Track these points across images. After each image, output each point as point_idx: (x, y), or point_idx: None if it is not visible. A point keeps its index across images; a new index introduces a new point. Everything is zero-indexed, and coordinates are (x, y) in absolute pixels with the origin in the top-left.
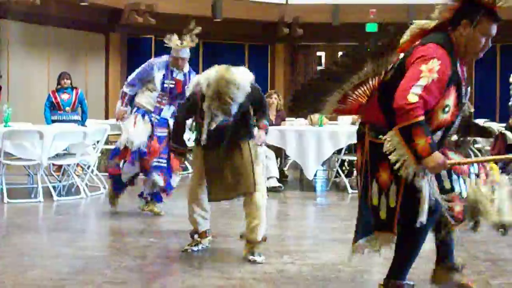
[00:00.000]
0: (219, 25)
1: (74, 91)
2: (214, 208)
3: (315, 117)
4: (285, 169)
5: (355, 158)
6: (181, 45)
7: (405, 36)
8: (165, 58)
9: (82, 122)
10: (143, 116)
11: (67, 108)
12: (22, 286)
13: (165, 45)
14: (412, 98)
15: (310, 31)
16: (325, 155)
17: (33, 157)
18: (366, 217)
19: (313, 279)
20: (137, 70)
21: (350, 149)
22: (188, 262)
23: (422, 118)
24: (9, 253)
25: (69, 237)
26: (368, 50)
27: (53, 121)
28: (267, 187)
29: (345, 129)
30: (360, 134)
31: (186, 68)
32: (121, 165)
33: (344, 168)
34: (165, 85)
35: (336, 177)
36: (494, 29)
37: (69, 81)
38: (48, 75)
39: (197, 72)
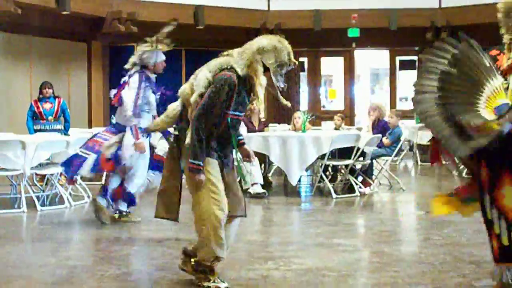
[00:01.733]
0: (201, 32)
1: (57, 100)
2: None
3: (299, 122)
4: (269, 175)
5: (339, 163)
6: (159, 48)
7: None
8: (137, 76)
9: (65, 131)
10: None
11: (50, 118)
12: None
13: (148, 50)
14: None
15: (292, 37)
16: (308, 161)
17: (16, 167)
18: None
19: (298, 285)
20: (135, 99)
21: (333, 155)
22: (172, 271)
23: None
24: None
25: (54, 247)
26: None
27: (36, 131)
28: (251, 193)
29: (328, 135)
30: None
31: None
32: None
33: (328, 173)
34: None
35: (320, 182)
36: None
37: (51, 90)
38: (30, 85)
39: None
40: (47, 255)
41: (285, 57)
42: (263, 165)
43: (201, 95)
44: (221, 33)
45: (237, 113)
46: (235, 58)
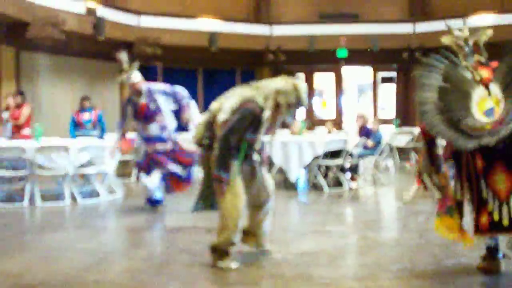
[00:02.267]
0: (215, 54)
1: (94, 111)
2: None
3: (296, 127)
4: (273, 173)
5: (331, 162)
6: (125, 74)
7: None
8: (128, 95)
9: (101, 137)
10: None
11: (88, 126)
12: (51, 275)
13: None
14: None
15: (291, 57)
16: (305, 161)
17: (61, 167)
18: None
19: (296, 265)
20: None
21: (326, 155)
22: (192, 252)
23: None
24: (41, 248)
25: (92, 233)
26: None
27: (77, 137)
28: None
29: (322, 139)
30: None
31: (145, 87)
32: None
33: (321, 171)
34: (137, 117)
35: (314, 178)
36: None
37: (89, 103)
38: (72, 98)
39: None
40: (87, 240)
41: (294, 100)
42: (268, 165)
43: (225, 121)
44: (231, 54)
45: (253, 136)
46: (259, 93)
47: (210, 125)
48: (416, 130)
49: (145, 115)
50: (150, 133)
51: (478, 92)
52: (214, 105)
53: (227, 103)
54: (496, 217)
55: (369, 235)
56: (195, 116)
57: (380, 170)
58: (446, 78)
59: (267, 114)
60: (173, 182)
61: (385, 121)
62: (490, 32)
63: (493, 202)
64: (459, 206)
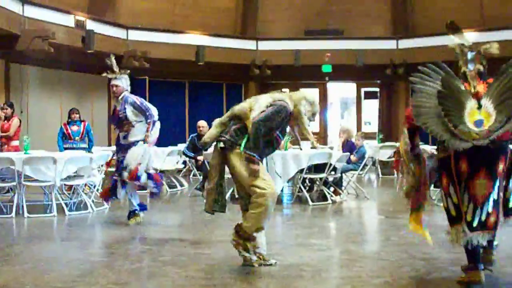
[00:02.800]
0: (202, 68)
1: (82, 123)
2: (198, 218)
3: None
4: None
5: (315, 176)
6: (117, 73)
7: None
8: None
9: (89, 149)
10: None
11: (76, 138)
12: (38, 287)
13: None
14: None
15: (277, 72)
16: (290, 174)
17: (48, 179)
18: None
19: (281, 278)
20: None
21: (310, 169)
22: (177, 265)
23: None
24: (29, 259)
25: (79, 245)
26: None
27: (65, 149)
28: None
29: (306, 153)
30: (503, 148)
31: (123, 94)
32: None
33: (305, 184)
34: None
35: (299, 192)
36: None
37: (77, 115)
38: (60, 110)
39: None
40: (74, 252)
41: (317, 110)
42: None
43: (262, 111)
44: (218, 68)
45: (280, 135)
46: (287, 97)
47: (229, 125)
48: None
49: (116, 121)
50: (120, 141)
51: (470, 104)
52: (241, 105)
53: (261, 101)
54: (469, 218)
55: (352, 249)
56: (153, 137)
57: (363, 183)
58: (444, 85)
59: (304, 117)
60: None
61: (368, 136)
62: (497, 47)
63: (468, 204)
64: (458, 210)
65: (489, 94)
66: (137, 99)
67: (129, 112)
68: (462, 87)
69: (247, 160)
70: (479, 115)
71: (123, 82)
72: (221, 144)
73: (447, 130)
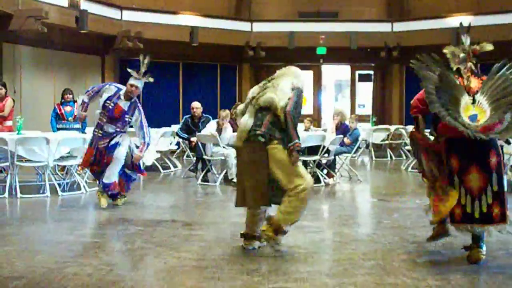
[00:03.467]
0: (196, 49)
1: (75, 104)
2: (191, 200)
3: None
4: None
5: (308, 158)
6: (141, 77)
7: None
8: (120, 86)
9: (82, 130)
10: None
11: (70, 118)
12: (32, 268)
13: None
14: None
15: (271, 54)
16: None
17: (41, 159)
18: None
19: (274, 259)
20: (92, 87)
21: (303, 151)
22: (169, 246)
23: None
24: (21, 240)
25: (71, 226)
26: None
27: (58, 129)
28: (235, 183)
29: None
30: (493, 142)
31: (133, 99)
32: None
33: None
34: (105, 105)
35: None
36: None
37: (71, 96)
38: (53, 91)
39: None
40: (66, 233)
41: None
42: None
43: (288, 99)
44: (212, 49)
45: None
46: (292, 77)
47: (259, 119)
48: (392, 127)
49: (116, 117)
50: (106, 130)
51: (465, 99)
52: (268, 96)
53: (282, 87)
54: (468, 209)
55: (345, 231)
56: (148, 155)
57: (356, 166)
58: (442, 79)
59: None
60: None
61: (362, 119)
62: (490, 47)
63: (466, 197)
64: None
65: (483, 91)
66: (143, 114)
67: (134, 119)
68: (458, 82)
69: (296, 151)
70: (473, 110)
71: (140, 86)
72: (261, 139)
73: (457, 120)
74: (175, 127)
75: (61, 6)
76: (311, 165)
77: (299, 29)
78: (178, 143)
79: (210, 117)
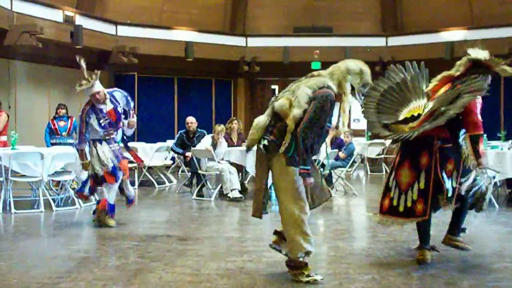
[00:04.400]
0: (191, 64)
1: (69, 119)
2: (186, 214)
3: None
4: (246, 182)
5: None
6: (89, 83)
7: (434, 82)
8: (88, 106)
9: (76, 145)
10: (100, 142)
11: (64, 133)
12: (25, 284)
13: (82, 87)
14: (480, 118)
15: (266, 68)
16: None
17: (36, 174)
18: (435, 197)
19: (268, 275)
20: (79, 128)
21: None
22: (164, 261)
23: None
24: (15, 255)
25: (66, 241)
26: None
27: (52, 144)
28: (230, 197)
29: None
30: (427, 143)
31: (107, 95)
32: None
33: None
34: (102, 124)
35: None
36: None
37: (64, 111)
38: (48, 106)
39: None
40: (60, 248)
41: (369, 79)
42: (240, 174)
43: (304, 111)
44: (207, 64)
45: (329, 125)
46: (327, 78)
47: (271, 125)
48: (387, 142)
49: (116, 120)
50: (116, 140)
51: (418, 102)
52: (280, 102)
53: (299, 94)
54: (395, 202)
55: (340, 245)
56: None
57: (352, 180)
58: (400, 84)
59: (349, 98)
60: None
61: (357, 133)
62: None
63: (395, 190)
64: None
65: (436, 98)
66: (116, 89)
67: (122, 103)
68: (424, 87)
69: (302, 176)
70: (419, 112)
71: (99, 84)
72: (265, 142)
73: (382, 124)
74: (170, 142)
75: (56, 21)
76: None
77: (294, 44)
78: (173, 158)
79: (205, 131)
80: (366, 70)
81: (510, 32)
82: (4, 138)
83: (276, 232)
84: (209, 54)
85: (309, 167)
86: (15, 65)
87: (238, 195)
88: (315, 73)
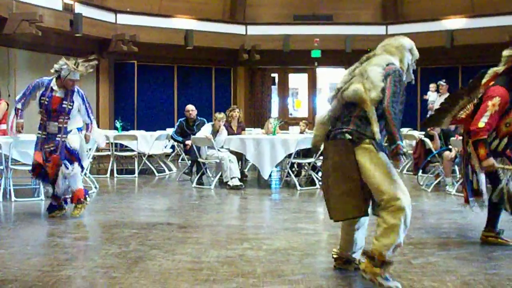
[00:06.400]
0: (191, 52)
1: None
2: (186, 202)
3: (270, 127)
4: (245, 170)
5: (303, 161)
6: (77, 69)
7: (486, 78)
8: (49, 78)
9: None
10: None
11: None
12: (26, 272)
13: (68, 66)
14: (481, 124)
15: (266, 57)
16: (278, 159)
17: None
18: (469, 185)
19: (268, 262)
20: (25, 89)
21: (299, 154)
22: (164, 249)
23: (485, 137)
24: (15, 243)
25: (66, 229)
26: (465, 88)
27: None
28: (230, 185)
29: (294, 137)
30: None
31: (74, 89)
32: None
33: (293, 169)
34: (41, 101)
35: (287, 177)
36: None
37: None
38: None
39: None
40: (61, 236)
41: (417, 56)
42: (240, 162)
43: (382, 90)
44: (207, 52)
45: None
46: (389, 56)
47: (345, 115)
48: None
49: (55, 109)
50: (50, 130)
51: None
52: (354, 88)
53: (371, 75)
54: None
55: (339, 233)
56: (98, 135)
57: None
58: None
59: (411, 75)
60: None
61: None
62: None
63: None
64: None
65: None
66: (85, 99)
67: (76, 105)
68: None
69: (396, 153)
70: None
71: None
72: (348, 136)
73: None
74: (170, 130)
75: (56, 9)
76: (306, 167)
77: (294, 32)
78: (173, 146)
79: (205, 120)
80: (414, 47)
81: (511, 20)
82: (4, 126)
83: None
84: (209, 43)
85: (403, 143)
86: (15, 53)
87: (238, 183)
88: (370, 54)
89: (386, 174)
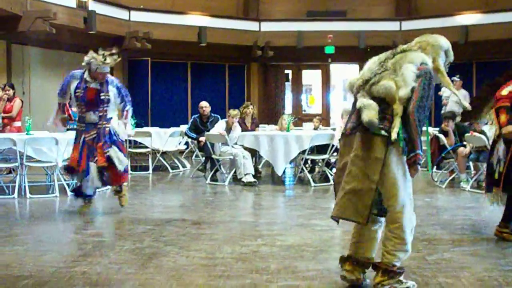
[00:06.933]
0: (204, 49)
1: None
2: (200, 199)
3: (284, 123)
4: (259, 167)
5: (317, 157)
6: (105, 62)
7: None
8: (82, 70)
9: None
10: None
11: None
12: (41, 268)
13: (96, 60)
14: (504, 92)
15: (279, 53)
16: (292, 155)
17: (50, 160)
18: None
19: (282, 258)
20: (62, 81)
21: (313, 150)
22: (178, 245)
23: (507, 104)
24: (30, 239)
25: (80, 225)
26: (502, 77)
27: (67, 130)
28: (244, 182)
29: (308, 134)
30: None
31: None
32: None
33: (307, 165)
34: (76, 94)
35: (301, 173)
36: None
37: None
38: None
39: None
40: (75, 232)
41: (452, 58)
42: (254, 159)
43: (412, 90)
44: (220, 49)
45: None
46: (425, 56)
47: (382, 109)
48: None
49: (91, 100)
50: (89, 120)
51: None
52: (385, 85)
53: (405, 73)
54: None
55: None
56: (129, 125)
57: None
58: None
59: (446, 77)
60: (112, 175)
61: None
62: None
63: None
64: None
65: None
66: (117, 80)
67: (112, 94)
68: None
69: (414, 163)
70: None
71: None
72: (385, 133)
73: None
74: (184, 127)
75: (69, 7)
76: (320, 164)
77: (307, 28)
78: (186, 143)
79: (219, 116)
80: (450, 48)
81: None
82: (18, 123)
83: (346, 259)
84: (222, 39)
85: (422, 152)
86: (29, 51)
87: (252, 179)
88: (404, 47)
89: (404, 181)
